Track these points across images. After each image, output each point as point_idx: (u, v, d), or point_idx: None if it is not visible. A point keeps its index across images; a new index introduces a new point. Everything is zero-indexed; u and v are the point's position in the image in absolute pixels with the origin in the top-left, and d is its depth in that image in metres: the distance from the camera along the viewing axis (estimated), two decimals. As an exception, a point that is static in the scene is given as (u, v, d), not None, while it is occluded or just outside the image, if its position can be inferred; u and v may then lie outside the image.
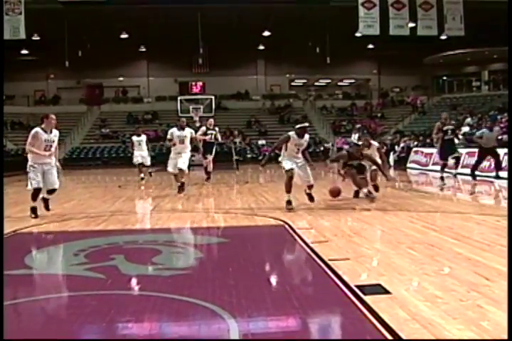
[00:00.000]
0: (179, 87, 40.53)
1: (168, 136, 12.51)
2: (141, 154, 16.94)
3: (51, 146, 8.84)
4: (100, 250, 6.25)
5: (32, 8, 25.47)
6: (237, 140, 24.76)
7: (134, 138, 17.38)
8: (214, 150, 15.74)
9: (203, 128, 15.39)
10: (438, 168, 19.83)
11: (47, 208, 9.12)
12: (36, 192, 8.79)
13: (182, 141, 12.66)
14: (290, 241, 6.53)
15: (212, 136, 15.25)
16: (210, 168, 15.71)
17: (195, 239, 7.01)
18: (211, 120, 15.88)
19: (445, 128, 13.66)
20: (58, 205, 10.15)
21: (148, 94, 41.81)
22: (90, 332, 3.61)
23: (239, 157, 22.48)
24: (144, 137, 17.35)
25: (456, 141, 14.46)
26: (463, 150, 18.82)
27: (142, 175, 16.89)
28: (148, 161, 17.13)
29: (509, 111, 12.45)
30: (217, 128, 15.64)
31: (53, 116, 9.02)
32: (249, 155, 32.79)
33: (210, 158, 15.49)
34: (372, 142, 11.18)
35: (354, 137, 30.77)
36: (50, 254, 6.32)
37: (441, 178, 14.00)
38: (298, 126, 9.39)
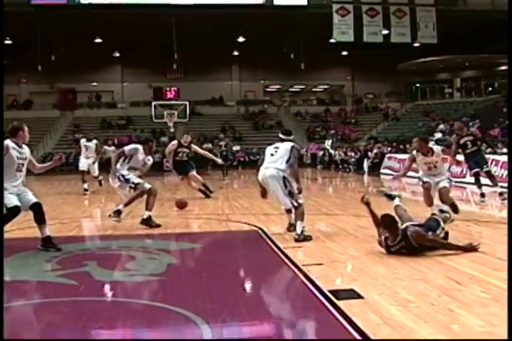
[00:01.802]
0: (153, 92, 40.34)
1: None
2: (88, 161, 15.11)
3: (23, 165, 6.62)
4: (73, 256, 6.20)
5: (4, 12, 25.21)
6: (223, 143, 22.77)
7: (83, 141, 15.49)
8: (190, 166, 13.00)
9: (174, 143, 13.16)
10: (411, 173, 20.07)
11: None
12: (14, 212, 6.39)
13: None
14: (263, 246, 6.54)
15: (184, 155, 12.86)
16: (197, 184, 13.10)
17: (168, 244, 6.98)
18: (187, 137, 13.37)
19: (462, 141, 11.28)
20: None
21: (122, 99, 41.55)
22: (63, 339, 3.57)
23: (225, 162, 19.78)
24: (93, 143, 15.39)
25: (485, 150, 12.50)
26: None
27: (86, 185, 14.77)
28: (95, 171, 15.27)
29: (509, 111, 12.24)
30: (195, 146, 13.45)
31: (27, 129, 6.79)
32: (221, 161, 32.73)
33: (192, 173, 12.95)
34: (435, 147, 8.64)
35: (328, 143, 31.09)
36: (21, 261, 6.24)
37: (482, 195, 11.19)
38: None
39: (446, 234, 6.13)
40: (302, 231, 6.82)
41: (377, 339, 3.00)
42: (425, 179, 8.42)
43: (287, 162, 7.07)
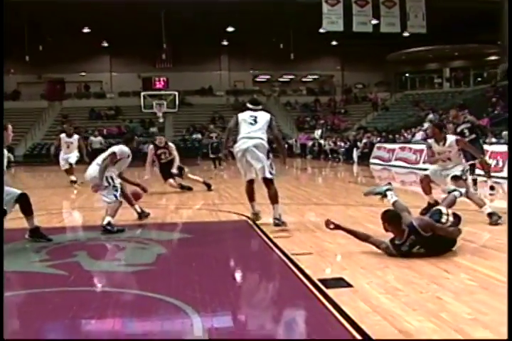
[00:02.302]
0: (142, 82, 40.21)
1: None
2: (69, 159, 13.98)
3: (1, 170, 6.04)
4: (62, 247, 6.19)
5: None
6: (214, 135, 22.19)
7: (63, 137, 14.33)
8: (176, 168, 12.13)
9: (151, 147, 12.26)
10: (400, 163, 20.18)
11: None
12: None
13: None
14: (253, 236, 6.56)
15: (167, 155, 12.07)
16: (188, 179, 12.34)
17: (158, 234, 6.98)
18: (161, 138, 12.52)
19: (459, 129, 10.73)
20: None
21: (111, 89, 41.37)
22: (53, 329, 3.58)
23: (216, 155, 19.09)
24: (75, 139, 14.28)
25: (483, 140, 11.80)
26: (425, 146, 19.09)
27: (73, 177, 13.74)
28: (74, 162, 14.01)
29: (509, 110, 12.13)
30: (170, 144, 12.33)
31: (11, 127, 6.33)
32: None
33: (169, 181, 12.14)
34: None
35: (317, 133, 31.10)
36: (11, 251, 6.22)
37: (491, 187, 10.61)
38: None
39: (457, 217, 5.57)
40: (280, 215, 6.85)
41: (378, 339, 3.01)
42: (430, 172, 7.75)
43: (266, 133, 6.99)
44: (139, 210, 7.91)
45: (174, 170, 11.96)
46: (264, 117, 7.06)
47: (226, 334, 3.39)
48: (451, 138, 7.65)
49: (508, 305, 3.20)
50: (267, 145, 6.91)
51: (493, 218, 6.82)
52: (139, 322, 3.65)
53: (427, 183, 7.84)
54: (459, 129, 10.74)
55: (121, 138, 8.78)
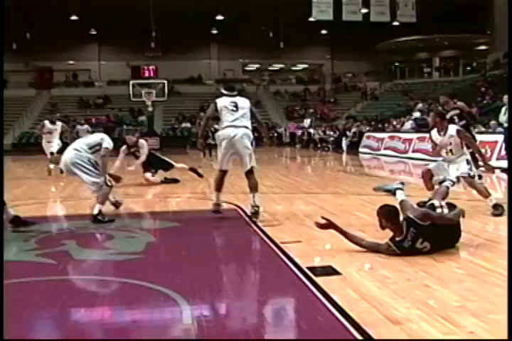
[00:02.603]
0: (131, 71, 39.89)
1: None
2: (51, 147, 13.72)
3: None
4: (51, 236, 6.18)
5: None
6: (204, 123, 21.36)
7: (47, 124, 14.07)
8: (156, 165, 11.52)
9: (123, 148, 11.35)
10: (389, 152, 20.23)
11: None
12: None
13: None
14: (242, 224, 6.57)
15: (139, 154, 11.32)
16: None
17: (147, 223, 6.98)
18: (130, 137, 11.61)
19: (448, 115, 9.90)
20: (7, 191, 9.91)
21: (100, 78, 41.12)
22: (42, 318, 3.57)
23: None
24: (58, 126, 13.97)
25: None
26: (414, 135, 19.19)
27: (52, 166, 13.17)
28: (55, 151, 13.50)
29: (509, 109, 12.14)
30: (142, 142, 11.46)
31: None
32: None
33: (145, 175, 11.37)
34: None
35: (307, 122, 31.11)
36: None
37: (479, 176, 9.27)
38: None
39: (452, 207, 5.27)
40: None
41: (380, 339, 3.03)
42: (433, 166, 7.31)
43: (249, 119, 6.80)
44: (112, 200, 7.72)
45: (131, 168, 11.35)
46: (245, 103, 6.87)
47: (215, 322, 3.41)
48: (452, 128, 7.26)
49: (508, 305, 3.22)
50: (251, 134, 6.82)
51: (498, 209, 6.70)
52: (129, 310, 3.65)
53: (428, 178, 7.35)
54: (448, 116, 9.96)
55: (102, 128, 8.45)
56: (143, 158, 11.17)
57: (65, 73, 41.15)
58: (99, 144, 7.18)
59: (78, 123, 24.49)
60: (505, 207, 6.80)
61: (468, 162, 7.03)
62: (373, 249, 4.87)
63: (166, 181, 11.31)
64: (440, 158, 7.45)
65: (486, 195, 6.93)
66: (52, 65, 40.21)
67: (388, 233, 4.89)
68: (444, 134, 7.10)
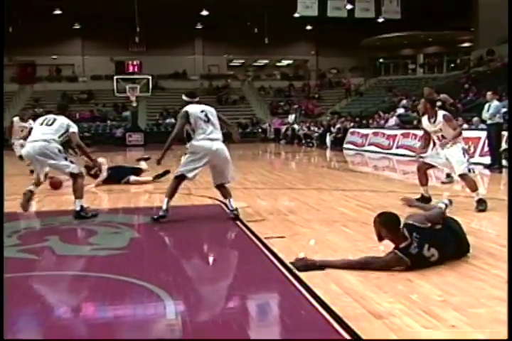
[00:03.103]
0: (115, 65, 39.67)
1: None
2: (22, 145, 11.46)
3: None
4: (34, 231, 6.16)
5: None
6: None
7: (17, 120, 13.25)
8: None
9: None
10: (373, 148, 20.32)
11: None
12: None
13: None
14: (226, 220, 6.57)
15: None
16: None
17: (131, 218, 6.96)
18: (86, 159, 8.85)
19: None
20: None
21: (84, 73, 40.80)
22: (24, 314, 3.55)
23: None
24: (30, 124, 12.59)
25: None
26: (398, 131, 19.29)
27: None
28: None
29: (509, 108, 12.11)
30: (101, 159, 10.12)
31: None
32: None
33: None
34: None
35: (291, 118, 31.13)
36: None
37: (447, 175, 9.80)
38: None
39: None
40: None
41: (369, 339, 3.04)
42: (429, 157, 7.40)
43: (219, 129, 6.59)
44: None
45: (91, 185, 9.98)
46: (212, 112, 6.67)
47: (199, 318, 3.41)
48: (440, 113, 7.27)
49: (508, 305, 3.25)
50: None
51: (482, 205, 6.76)
52: (112, 305, 3.65)
53: (423, 172, 7.45)
54: None
55: (57, 108, 7.63)
56: (104, 175, 10.30)
57: (48, 68, 40.79)
58: (67, 130, 7.00)
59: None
60: (505, 203, 6.87)
61: (464, 152, 7.08)
62: (380, 265, 4.18)
63: (158, 176, 10.75)
64: (425, 154, 7.55)
65: (474, 188, 6.99)
66: (35, 60, 39.85)
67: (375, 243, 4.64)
68: (435, 121, 7.16)
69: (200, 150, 6.43)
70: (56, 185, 9.46)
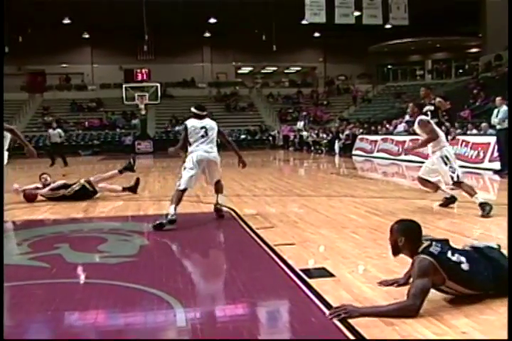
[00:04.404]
0: (124, 74, 39.90)
1: None
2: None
3: None
4: (44, 239, 6.16)
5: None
6: None
7: None
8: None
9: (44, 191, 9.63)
10: (382, 154, 20.28)
11: None
12: None
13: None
14: (236, 227, 6.57)
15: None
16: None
17: (140, 226, 6.97)
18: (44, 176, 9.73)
19: (424, 109, 9.73)
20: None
21: (93, 81, 41.05)
22: (35, 321, 3.57)
23: None
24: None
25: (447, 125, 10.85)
26: (407, 137, 19.24)
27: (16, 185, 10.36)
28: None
29: (509, 107, 12.11)
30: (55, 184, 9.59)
31: None
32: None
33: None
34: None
35: (300, 124, 31.16)
36: (-8, 244, 6.19)
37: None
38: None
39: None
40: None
41: (373, 339, 3.04)
42: (422, 172, 7.56)
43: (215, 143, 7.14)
44: None
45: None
46: (213, 127, 7.13)
47: (209, 325, 3.41)
48: (419, 117, 7.52)
49: (508, 306, 3.24)
50: (218, 158, 7.19)
51: (485, 209, 6.72)
52: (122, 313, 3.65)
53: (426, 183, 7.61)
54: (424, 109, 9.75)
55: None
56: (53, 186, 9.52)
57: (58, 76, 41.06)
58: None
59: (50, 127, 22.42)
60: (504, 207, 6.84)
61: (445, 162, 7.11)
62: (419, 288, 3.41)
63: (131, 188, 10.17)
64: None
65: (472, 193, 7.00)
66: (45, 69, 40.14)
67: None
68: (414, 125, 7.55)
69: (196, 158, 6.94)
70: (30, 197, 9.26)
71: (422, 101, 10.77)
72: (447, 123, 10.99)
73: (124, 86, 33.03)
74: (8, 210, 8.30)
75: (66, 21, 34.31)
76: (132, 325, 3.45)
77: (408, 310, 3.32)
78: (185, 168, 6.98)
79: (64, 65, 40.54)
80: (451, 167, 7.09)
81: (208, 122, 7.16)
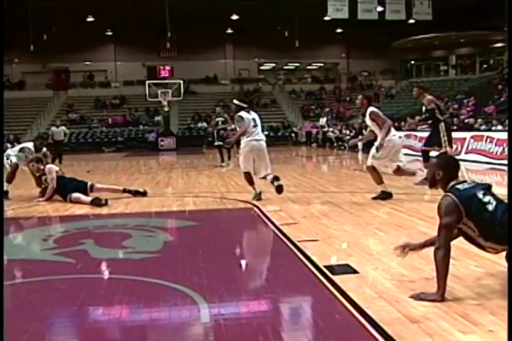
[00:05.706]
0: (147, 71, 40.05)
1: None
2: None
3: None
4: (69, 235, 6.23)
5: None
6: (220, 119, 16.57)
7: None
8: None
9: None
10: (406, 150, 20.12)
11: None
12: None
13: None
14: (259, 223, 6.58)
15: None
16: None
17: (164, 222, 7.01)
18: (33, 164, 9.39)
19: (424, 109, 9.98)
20: (25, 191, 10.03)
21: (116, 78, 41.28)
22: (60, 316, 3.61)
23: (224, 143, 14.17)
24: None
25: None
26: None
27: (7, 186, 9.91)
28: None
29: (509, 107, 11.97)
30: (50, 167, 9.33)
31: None
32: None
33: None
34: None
35: (322, 121, 31.05)
36: (19, 240, 6.27)
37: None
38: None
39: None
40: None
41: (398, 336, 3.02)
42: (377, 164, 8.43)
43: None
44: None
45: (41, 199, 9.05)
46: (258, 117, 8.39)
47: (233, 321, 3.41)
48: (369, 109, 7.92)
49: (508, 306, 3.20)
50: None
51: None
52: (147, 309, 3.68)
53: (398, 173, 8.66)
54: (429, 107, 9.77)
55: None
56: (52, 185, 9.05)
57: (82, 74, 41.38)
58: None
59: (54, 124, 21.99)
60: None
61: (377, 149, 7.93)
62: (441, 226, 3.77)
63: (130, 191, 9.51)
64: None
65: (379, 181, 8.14)
66: (69, 66, 40.46)
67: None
68: (365, 116, 8.10)
69: (249, 147, 8.15)
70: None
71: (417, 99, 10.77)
72: (442, 124, 9.88)
73: (147, 83, 33.15)
74: (34, 206, 8.42)
75: (89, 19, 34.55)
76: (156, 321, 3.47)
77: (438, 256, 3.60)
78: (241, 155, 8.28)
79: (87, 63, 40.83)
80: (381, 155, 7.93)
81: (254, 114, 8.37)
